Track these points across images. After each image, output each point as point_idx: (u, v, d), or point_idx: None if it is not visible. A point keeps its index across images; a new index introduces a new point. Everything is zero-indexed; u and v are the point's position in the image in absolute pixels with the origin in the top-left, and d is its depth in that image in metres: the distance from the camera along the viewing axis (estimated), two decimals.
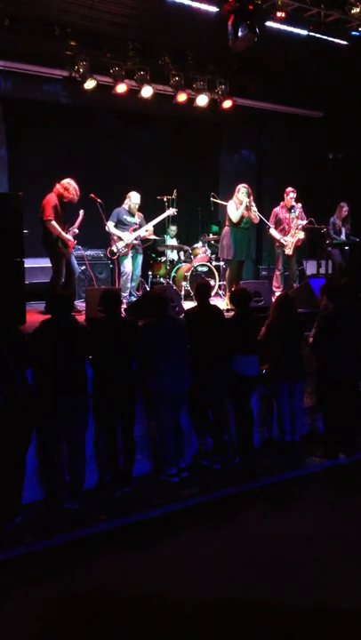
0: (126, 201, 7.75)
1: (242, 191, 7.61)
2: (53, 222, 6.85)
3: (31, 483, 4.76)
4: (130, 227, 7.68)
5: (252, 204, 7.66)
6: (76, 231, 7.19)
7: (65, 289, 7.04)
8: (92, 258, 8.65)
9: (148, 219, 7.92)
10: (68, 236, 7.01)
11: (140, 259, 7.94)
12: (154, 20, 8.31)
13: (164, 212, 8.24)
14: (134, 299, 7.56)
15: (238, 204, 7.60)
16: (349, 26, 8.15)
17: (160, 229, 9.00)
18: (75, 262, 7.37)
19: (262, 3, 7.47)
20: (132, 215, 7.75)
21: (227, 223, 7.73)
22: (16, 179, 9.17)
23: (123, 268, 7.71)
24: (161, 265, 9.18)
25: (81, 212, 7.31)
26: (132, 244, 7.71)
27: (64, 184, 7.01)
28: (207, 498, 4.97)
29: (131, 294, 7.71)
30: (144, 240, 8.07)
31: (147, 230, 7.86)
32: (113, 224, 7.65)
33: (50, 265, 7.18)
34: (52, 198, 6.92)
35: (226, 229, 7.73)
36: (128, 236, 7.63)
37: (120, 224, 7.67)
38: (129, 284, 7.70)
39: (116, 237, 7.64)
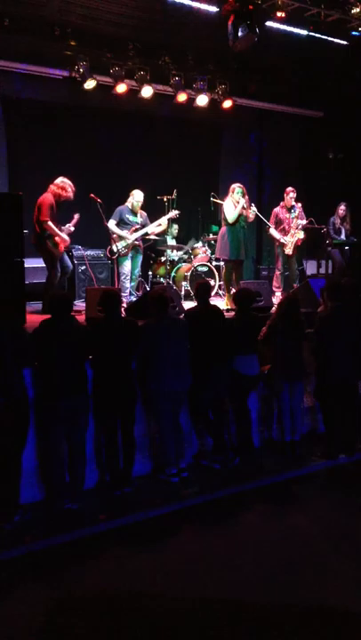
0: (130, 199, 7.72)
1: (237, 191, 7.62)
2: (50, 223, 6.86)
3: (31, 483, 4.77)
4: (131, 226, 7.67)
5: (252, 204, 7.67)
6: (72, 229, 7.17)
7: (62, 287, 7.06)
8: (92, 258, 8.65)
9: (150, 219, 7.91)
10: (64, 235, 7.00)
11: (139, 258, 7.93)
12: (154, 20, 8.31)
13: (164, 212, 8.23)
14: (134, 298, 7.55)
15: (235, 204, 7.60)
16: (349, 26, 8.16)
17: (165, 227, 8.99)
18: (67, 261, 7.35)
19: (262, 3, 7.47)
20: (135, 214, 7.73)
21: (223, 223, 7.75)
22: (16, 179, 9.16)
23: (122, 269, 7.71)
24: (161, 265, 9.18)
25: (76, 215, 7.26)
26: (133, 245, 7.70)
27: (59, 184, 7.00)
28: (207, 498, 4.97)
29: (130, 294, 7.70)
30: (145, 240, 8.07)
31: (160, 224, 7.84)
32: (115, 222, 7.61)
33: (46, 265, 7.19)
34: (47, 198, 6.91)
35: (223, 229, 7.74)
36: (129, 237, 7.62)
37: (122, 223, 7.64)
38: (128, 284, 7.69)
39: (116, 236, 7.63)
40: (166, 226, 8.11)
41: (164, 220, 7.96)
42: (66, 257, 7.33)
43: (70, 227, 7.16)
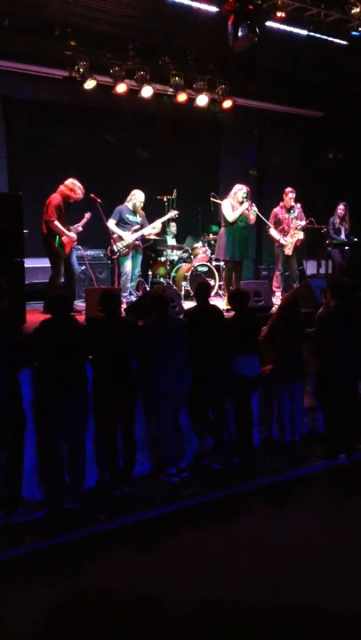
0: (130, 198, 7.69)
1: (244, 191, 7.61)
2: (56, 222, 6.87)
3: (31, 482, 4.77)
4: (131, 226, 7.64)
5: (253, 205, 7.67)
6: (80, 229, 7.18)
7: (65, 289, 7.06)
8: (92, 258, 8.65)
9: (149, 219, 7.90)
10: (71, 234, 7.01)
11: (139, 258, 7.90)
12: (154, 20, 8.31)
13: (164, 212, 8.22)
14: (134, 298, 7.54)
15: (237, 205, 7.59)
16: (349, 26, 8.17)
17: (160, 229, 8.99)
18: (75, 262, 7.35)
19: (262, 3, 7.48)
20: (135, 214, 7.72)
21: (223, 223, 7.74)
22: (16, 179, 9.17)
23: (122, 269, 7.68)
24: (161, 265, 9.18)
25: (87, 214, 7.29)
26: (133, 244, 7.69)
27: (68, 185, 7.01)
28: (207, 498, 4.97)
29: (130, 294, 7.69)
30: (145, 240, 8.06)
31: (154, 227, 7.83)
32: (114, 222, 7.58)
33: (50, 265, 7.20)
34: (54, 198, 6.92)
35: (222, 229, 7.74)
36: (129, 237, 7.60)
37: (122, 222, 7.61)
38: (128, 284, 7.67)
39: (116, 236, 7.62)
40: (160, 229, 8.07)
41: (158, 224, 7.89)
42: (74, 260, 7.29)
43: (79, 227, 7.16)
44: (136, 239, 7.68)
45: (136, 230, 7.65)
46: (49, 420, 4.66)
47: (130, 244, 7.61)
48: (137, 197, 7.65)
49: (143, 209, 7.83)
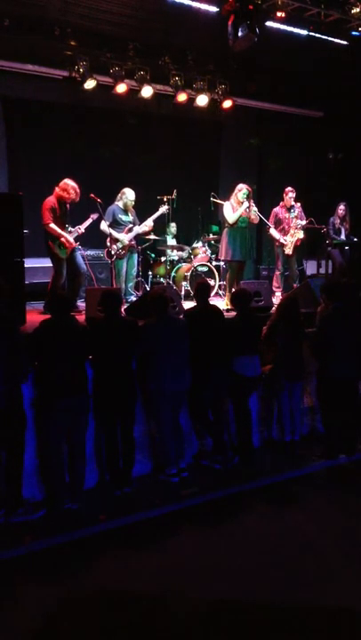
0: (120, 197, 7.60)
1: (244, 192, 7.59)
2: (52, 225, 6.87)
3: (31, 482, 4.77)
4: (125, 226, 7.57)
5: (253, 204, 7.66)
6: (82, 230, 7.16)
7: (68, 289, 7.06)
8: (92, 258, 8.63)
9: (145, 217, 7.87)
10: (69, 237, 7.00)
11: (135, 258, 7.85)
12: (154, 19, 8.31)
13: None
14: (134, 298, 7.53)
15: (237, 205, 7.58)
16: (349, 26, 8.18)
17: (160, 229, 8.98)
18: (80, 262, 7.29)
19: (262, 3, 7.48)
20: (127, 213, 7.63)
21: (225, 225, 7.75)
22: (16, 179, 9.17)
23: (118, 270, 7.63)
24: (161, 265, 9.18)
25: (93, 215, 7.27)
26: (130, 245, 7.64)
27: (61, 185, 7.00)
28: (207, 498, 4.97)
29: (130, 294, 7.67)
30: (142, 240, 8.01)
31: (146, 225, 7.78)
32: (108, 224, 7.44)
33: (50, 265, 7.20)
34: (48, 201, 6.93)
35: (225, 230, 7.74)
36: (124, 238, 7.54)
37: (115, 224, 7.52)
38: (123, 285, 7.60)
39: (112, 238, 7.57)
40: (152, 227, 8.02)
41: (149, 222, 7.83)
42: (79, 259, 7.24)
43: (80, 228, 7.14)
44: (131, 239, 7.63)
45: (130, 230, 7.60)
46: (49, 420, 4.66)
47: (126, 245, 7.55)
48: (127, 196, 7.57)
49: (142, 209, 7.79)
